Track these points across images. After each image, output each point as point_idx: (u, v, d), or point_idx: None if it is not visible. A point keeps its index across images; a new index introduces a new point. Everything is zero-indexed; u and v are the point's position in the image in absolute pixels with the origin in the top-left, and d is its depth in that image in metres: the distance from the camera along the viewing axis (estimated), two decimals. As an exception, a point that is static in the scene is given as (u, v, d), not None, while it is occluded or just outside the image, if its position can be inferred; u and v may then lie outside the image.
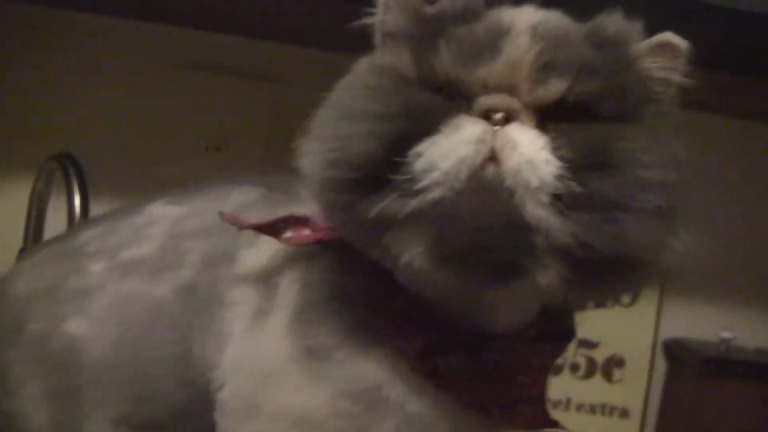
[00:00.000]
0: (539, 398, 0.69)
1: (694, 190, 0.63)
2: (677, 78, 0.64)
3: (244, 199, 0.79)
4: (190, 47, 1.43)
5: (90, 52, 1.42)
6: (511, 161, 0.55)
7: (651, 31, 0.64)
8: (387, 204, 0.57)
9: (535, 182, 0.55)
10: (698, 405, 1.39)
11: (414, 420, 0.66)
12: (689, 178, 0.62)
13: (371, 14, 0.66)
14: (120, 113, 1.42)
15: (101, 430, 0.74)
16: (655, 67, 0.63)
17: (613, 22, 0.63)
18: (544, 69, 0.59)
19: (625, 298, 1.47)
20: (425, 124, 0.58)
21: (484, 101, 0.58)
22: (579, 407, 1.47)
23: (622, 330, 1.47)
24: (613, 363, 1.47)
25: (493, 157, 0.56)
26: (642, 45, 0.63)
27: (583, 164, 0.56)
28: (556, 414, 0.69)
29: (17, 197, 1.27)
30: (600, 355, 1.46)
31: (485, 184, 0.55)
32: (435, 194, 0.55)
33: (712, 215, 1.45)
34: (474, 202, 0.56)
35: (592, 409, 1.46)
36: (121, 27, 1.41)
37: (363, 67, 0.65)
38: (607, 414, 1.46)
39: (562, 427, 0.70)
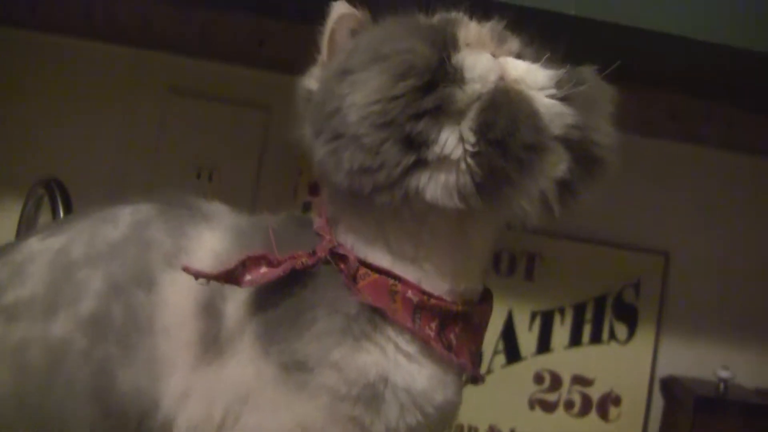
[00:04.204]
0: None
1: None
2: None
3: (138, 218, 0.77)
4: (180, 74, 1.42)
5: (79, 77, 1.41)
6: (517, 72, 0.69)
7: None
8: (445, 93, 0.66)
9: (540, 81, 0.70)
10: (695, 445, 1.36)
11: (418, 396, 0.71)
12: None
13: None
14: (110, 139, 1.42)
15: None
16: None
17: None
18: (502, 34, 0.75)
19: (621, 335, 1.45)
20: (451, 43, 0.70)
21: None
22: (574, 445, 1.44)
23: (618, 367, 1.45)
24: (609, 400, 1.44)
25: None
26: None
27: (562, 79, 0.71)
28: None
29: (6, 222, 1.26)
30: (595, 393, 1.44)
31: (504, 86, 0.68)
32: (477, 86, 0.67)
33: (712, 249, 1.46)
34: (501, 97, 0.67)
35: (587, 448, 1.43)
36: (111, 52, 1.41)
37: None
38: (602, 452, 1.43)
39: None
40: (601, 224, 1.45)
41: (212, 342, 0.72)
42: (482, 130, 0.65)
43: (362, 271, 0.72)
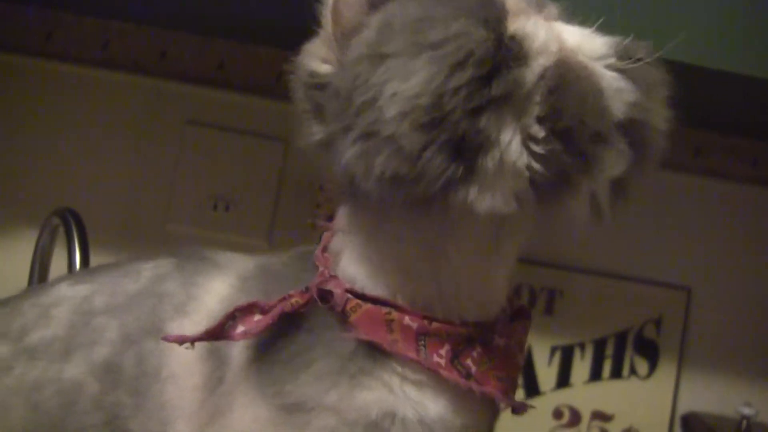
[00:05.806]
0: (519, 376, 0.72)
1: None
2: None
3: (157, 273, 0.77)
4: (197, 105, 1.42)
5: (95, 107, 1.41)
6: (573, 39, 0.60)
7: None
8: (514, 76, 0.57)
9: (598, 50, 0.60)
10: (717, 484, 1.34)
11: (434, 424, 0.65)
12: None
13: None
14: (126, 169, 1.41)
15: None
16: None
17: None
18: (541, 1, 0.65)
19: (642, 370, 1.42)
20: (504, 16, 0.60)
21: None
22: (593, 482, 1.42)
23: (639, 403, 1.42)
24: (629, 437, 1.42)
25: None
26: None
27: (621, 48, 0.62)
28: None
29: (22, 252, 1.25)
30: (615, 429, 1.42)
31: (566, 58, 0.59)
32: (542, 60, 0.58)
33: (734, 285, 1.44)
34: (567, 73, 0.58)
35: (607, 485, 1.41)
36: (128, 83, 1.41)
37: None
38: (622, 490, 1.41)
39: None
40: (622, 259, 1.44)
41: (217, 385, 0.70)
42: (551, 118, 0.57)
43: (352, 303, 0.66)
